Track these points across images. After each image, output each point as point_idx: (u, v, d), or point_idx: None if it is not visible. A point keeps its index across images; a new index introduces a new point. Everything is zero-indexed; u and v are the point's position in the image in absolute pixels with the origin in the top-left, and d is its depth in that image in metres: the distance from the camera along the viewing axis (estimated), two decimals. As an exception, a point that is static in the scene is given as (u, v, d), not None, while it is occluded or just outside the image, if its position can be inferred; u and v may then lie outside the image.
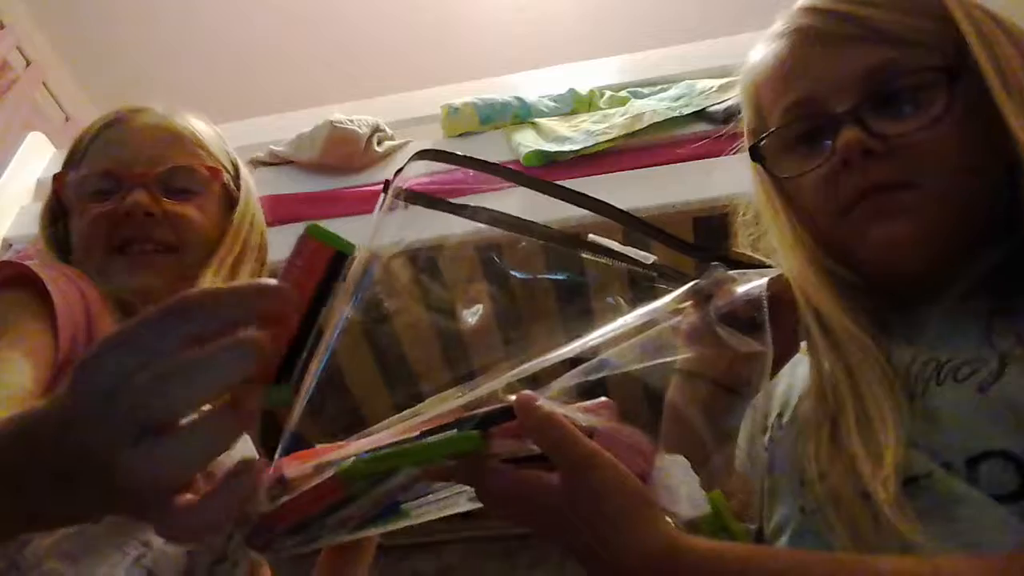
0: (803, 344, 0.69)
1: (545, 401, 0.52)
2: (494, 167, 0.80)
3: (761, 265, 0.73)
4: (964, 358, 0.57)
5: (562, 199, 0.77)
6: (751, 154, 0.71)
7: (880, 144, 0.61)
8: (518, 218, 0.78)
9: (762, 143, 0.69)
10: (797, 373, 0.71)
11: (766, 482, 0.68)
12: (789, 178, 0.68)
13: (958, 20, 0.63)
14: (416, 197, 0.75)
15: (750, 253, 0.76)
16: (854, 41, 0.64)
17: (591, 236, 0.74)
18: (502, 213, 0.77)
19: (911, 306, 0.65)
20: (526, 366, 0.57)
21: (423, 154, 0.77)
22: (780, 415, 0.69)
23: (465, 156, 0.79)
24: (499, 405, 0.53)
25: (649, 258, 0.73)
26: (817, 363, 0.64)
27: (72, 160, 0.94)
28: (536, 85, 1.90)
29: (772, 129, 0.69)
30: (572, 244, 0.76)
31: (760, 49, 0.72)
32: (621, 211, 0.77)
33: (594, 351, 0.60)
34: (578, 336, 0.60)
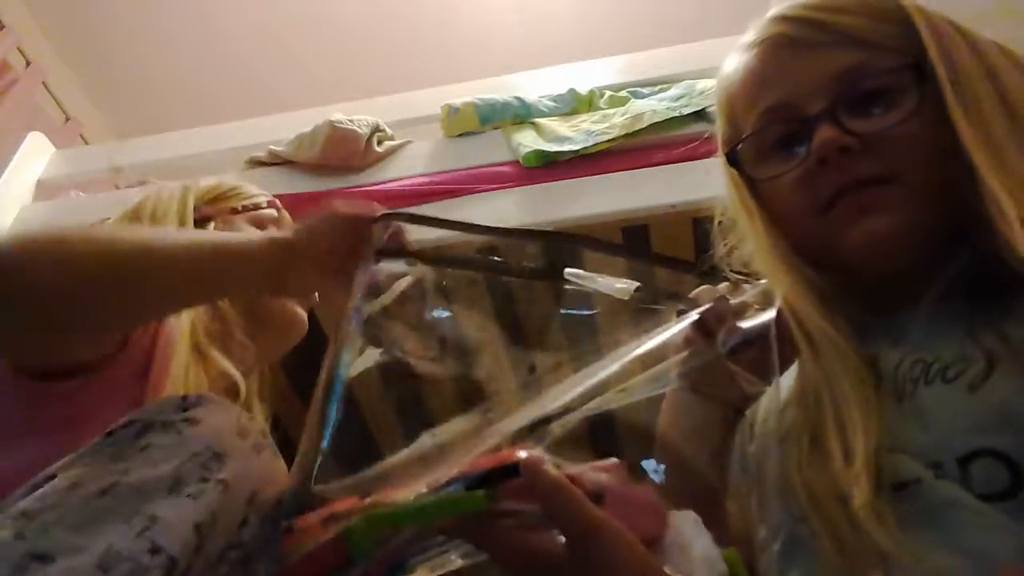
0: None
1: (551, 464, 0.50)
2: (457, 224, 0.90)
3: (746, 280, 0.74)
4: (950, 358, 0.57)
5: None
6: (728, 159, 0.71)
7: (856, 141, 0.62)
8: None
9: (739, 148, 0.70)
10: (781, 380, 0.71)
11: (754, 492, 0.68)
12: (767, 180, 0.68)
13: (919, 28, 0.64)
14: (398, 235, 0.86)
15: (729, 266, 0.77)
16: (825, 46, 0.65)
17: (568, 271, 0.78)
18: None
19: (889, 310, 0.65)
20: (533, 413, 0.56)
21: (389, 217, 0.86)
22: (766, 422, 0.69)
23: (427, 216, 0.90)
24: (506, 462, 0.51)
25: (629, 290, 0.73)
26: (800, 368, 0.65)
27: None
28: (536, 85, 1.89)
29: (747, 134, 0.69)
30: (551, 277, 0.78)
31: (732, 60, 0.72)
32: (582, 237, 0.82)
33: (599, 389, 0.60)
34: (583, 361, 0.60)
